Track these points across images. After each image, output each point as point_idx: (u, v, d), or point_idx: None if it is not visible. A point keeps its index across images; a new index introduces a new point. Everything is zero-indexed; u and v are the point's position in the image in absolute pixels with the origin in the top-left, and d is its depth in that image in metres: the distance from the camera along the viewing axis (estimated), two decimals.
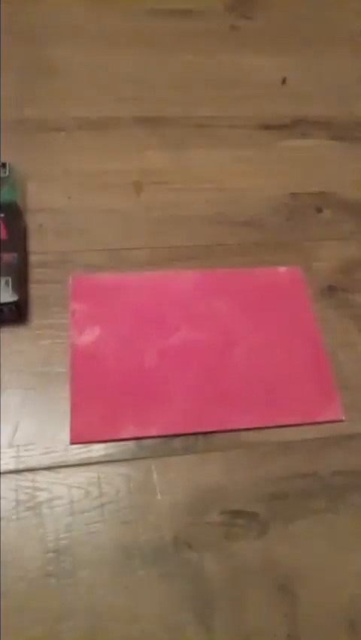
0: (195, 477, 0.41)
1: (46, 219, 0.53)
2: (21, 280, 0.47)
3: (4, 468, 0.41)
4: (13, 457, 0.41)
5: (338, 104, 0.66)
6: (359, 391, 0.46)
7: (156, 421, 0.43)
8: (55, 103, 0.63)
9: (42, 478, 0.41)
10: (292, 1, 0.75)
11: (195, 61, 0.68)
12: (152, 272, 0.51)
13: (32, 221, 0.53)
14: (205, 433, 0.43)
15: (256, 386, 0.45)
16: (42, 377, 0.45)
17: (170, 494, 0.40)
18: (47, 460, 0.41)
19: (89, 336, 0.46)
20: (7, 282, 0.45)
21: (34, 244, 0.52)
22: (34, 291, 0.49)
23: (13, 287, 0.45)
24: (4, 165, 0.53)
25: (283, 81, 0.66)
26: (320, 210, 0.57)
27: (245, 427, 0.43)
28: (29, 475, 0.41)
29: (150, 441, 0.42)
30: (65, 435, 0.42)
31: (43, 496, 0.40)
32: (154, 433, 0.42)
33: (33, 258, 0.51)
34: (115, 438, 0.42)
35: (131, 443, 0.42)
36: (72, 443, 0.42)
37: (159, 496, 0.40)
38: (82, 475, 0.41)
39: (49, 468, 0.41)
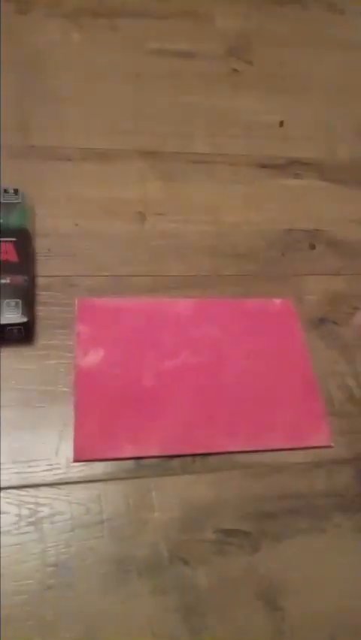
0: (190, 496, 0.43)
1: (53, 244, 0.56)
2: (30, 302, 0.49)
3: (6, 483, 0.42)
4: (16, 472, 0.43)
5: (326, 147, 0.70)
6: (346, 418, 0.49)
7: (154, 441, 0.45)
8: (61, 132, 0.66)
9: (44, 494, 0.42)
10: (289, 48, 0.81)
11: (195, 100, 0.72)
12: (152, 298, 0.54)
13: (40, 245, 0.55)
14: (201, 455, 0.45)
15: (249, 411, 0.48)
16: (46, 395, 0.47)
17: (167, 512, 0.42)
18: (49, 477, 0.43)
19: (93, 357, 0.49)
20: (17, 304, 0.47)
21: (41, 268, 0.54)
22: (40, 312, 0.51)
23: (23, 308, 0.47)
24: (16, 191, 0.55)
25: (281, 124, 0.70)
26: (313, 247, 0.61)
27: (239, 449, 0.46)
28: (32, 491, 0.42)
29: (149, 460, 0.44)
30: (68, 452, 0.44)
31: (44, 511, 0.42)
32: (152, 453, 0.45)
33: (40, 281, 0.53)
34: (115, 457, 0.44)
35: (131, 462, 0.44)
36: (75, 461, 0.44)
37: (156, 514, 0.42)
38: (83, 492, 0.43)
39: (51, 484, 0.43)
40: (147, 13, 0.79)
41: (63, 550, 0.40)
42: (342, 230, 0.63)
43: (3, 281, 0.48)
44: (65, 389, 0.47)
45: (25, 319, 0.47)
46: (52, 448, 0.44)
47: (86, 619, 0.38)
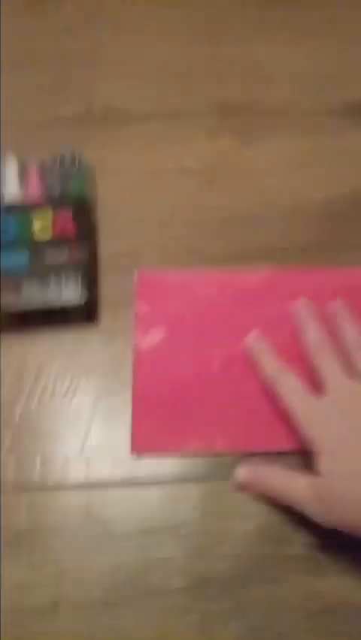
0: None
1: (116, 214, 0.51)
2: (91, 279, 0.44)
3: (73, 481, 0.39)
4: (83, 470, 0.39)
5: None
6: None
7: (223, 435, 0.40)
8: (121, 94, 0.60)
9: (111, 493, 0.38)
10: None
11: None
12: (222, 268, 0.47)
13: (102, 216, 0.50)
14: (283, 453, 0.39)
15: None
16: (112, 382, 0.42)
17: (248, 519, 0.37)
18: (116, 474, 0.39)
19: (153, 338, 0.43)
20: (75, 282, 0.43)
21: (104, 240, 0.49)
22: (105, 290, 0.46)
23: (82, 287, 0.43)
24: (73, 158, 0.50)
25: None
26: None
27: None
28: (100, 489, 0.38)
29: (227, 459, 0.39)
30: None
31: (114, 512, 0.37)
32: (221, 448, 0.39)
33: (103, 256, 0.48)
34: (178, 449, 0.39)
35: (206, 460, 0.39)
36: (133, 454, 0.39)
37: (235, 521, 0.37)
38: (153, 493, 0.38)
39: (118, 483, 0.38)
40: None
41: (133, 557, 0.36)
42: None
43: (60, 258, 0.44)
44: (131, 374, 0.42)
45: (85, 299, 0.43)
46: (119, 442, 0.40)
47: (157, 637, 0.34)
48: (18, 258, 0.44)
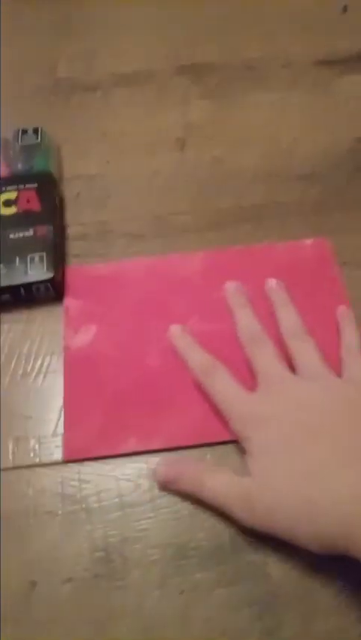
0: None
1: (83, 187, 0.49)
2: (57, 255, 0.43)
3: (47, 459, 0.38)
4: (58, 446, 0.38)
5: None
6: None
7: (157, 433, 0.37)
8: (87, 61, 0.58)
9: (88, 470, 0.37)
10: None
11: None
12: (154, 257, 0.45)
13: (69, 190, 0.49)
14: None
15: None
16: None
17: None
18: None
19: (84, 337, 0.41)
20: (41, 258, 0.42)
21: (71, 215, 0.48)
22: (74, 266, 0.45)
23: (48, 263, 0.42)
24: (35, 131, 0.49)
25: (345, 9, 0.57)
26: None
27: None
28: (75, 467, 0.37)
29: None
30: None
31: (89, 489, 0.37)
32: (158, 446, 0.37)
33: (71, 231, 0.47)
34: (115, 454, 0.37)
35: None
36: (65, 461, 0.37)
37: None
38: (131, 467, 0.37)
39: (95, 459, 0.38)
40: None
41: (112, 532, 0.35)
42: None
43: (26, 233, 0.43)
44: None
45: (51, 275, 0.41)
46: None
47: (139, 612, 0.33)
48: None
